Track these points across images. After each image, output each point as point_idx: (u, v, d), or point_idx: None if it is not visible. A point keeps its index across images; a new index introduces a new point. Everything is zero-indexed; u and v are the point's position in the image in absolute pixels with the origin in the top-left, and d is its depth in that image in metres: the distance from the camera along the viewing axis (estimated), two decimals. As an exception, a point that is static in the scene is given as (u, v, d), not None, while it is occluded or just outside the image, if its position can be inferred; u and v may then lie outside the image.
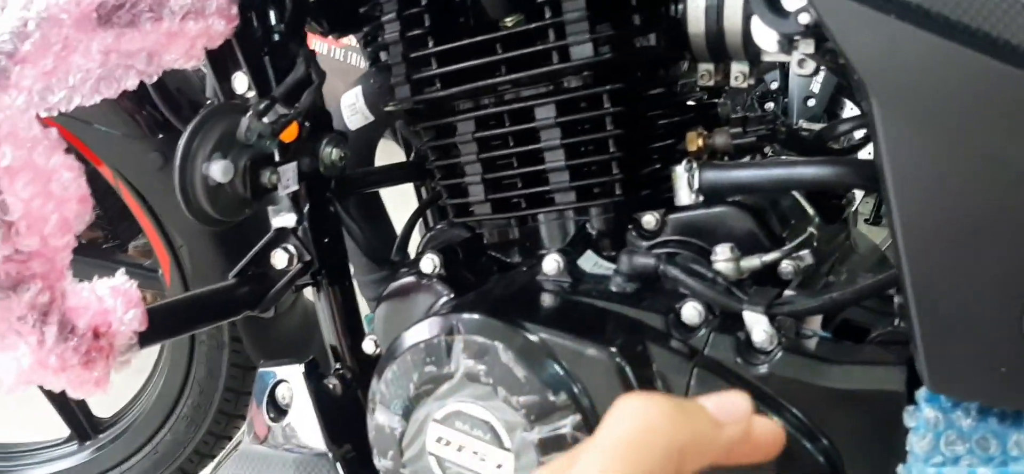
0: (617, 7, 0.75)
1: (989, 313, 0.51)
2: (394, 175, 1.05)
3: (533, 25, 0.75)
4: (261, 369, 0.92)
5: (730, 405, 0.36)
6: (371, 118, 1.25)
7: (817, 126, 0.98)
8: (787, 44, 0.68)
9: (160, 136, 1.19)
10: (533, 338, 0.67)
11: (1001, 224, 0.50)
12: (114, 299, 0.69)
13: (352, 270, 0.98)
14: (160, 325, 0.76)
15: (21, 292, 0.61)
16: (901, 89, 0.52)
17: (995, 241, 0.51)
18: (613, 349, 0.65)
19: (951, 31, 0.49)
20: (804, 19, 0.64)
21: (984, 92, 0.50)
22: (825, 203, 0.85)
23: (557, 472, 0.32)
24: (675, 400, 0.34)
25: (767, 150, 0.85)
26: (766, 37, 0.69)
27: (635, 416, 0.33)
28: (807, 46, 0.67)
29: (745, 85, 0.78)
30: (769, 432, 0.37)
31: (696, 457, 0.33)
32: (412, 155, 1.09)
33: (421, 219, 1.06)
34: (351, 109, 1.22)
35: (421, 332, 0.71)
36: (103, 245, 1.51)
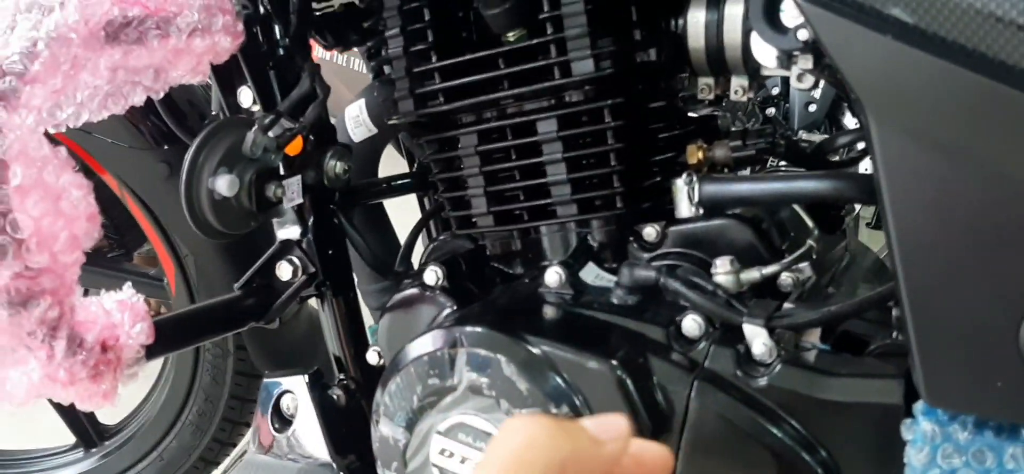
0: (618, 22, 0.76)
1: (985, 327, 0.52)
2: (398, 186, 1.06)
3: (535, 40, 0.76)
4: (266, 379, 0.93)
5: (609, 425, 0.39)
6: (375, 130, 1.25)
7: (817, 137, 0.98)
8: (786, 59, 0.68)
9: (166, 147, 1.20)
10: (535, 351, 0.68)
11: (996, 239, 0.51)
12: (121, 313, 0.70)
13: (356, 280, 0.98)
14: (167, 338, 0.77)
15: (31, 308, 0.62)
16: (897, 107, 0.53)
17: (990, 256, 0.52)
18: (614, 362, 0.66)
19: (946, 51, 0.50)
20: (803, 35, 0.65)
21: (978, 110, 0.50)
22: (824, 214, 0.85)
23: None
24: (557, 420, 0.37)
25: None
26: (765, 52, 0.70)
27: (518, 434, 0.36)
28: (806, 62, 0.67)
29: (745, 98, 0.78)
30: (656, 454, 0.41)
31: (577, 472, 0.36)
32: (415, 166, 1.10)
33: (424, 230, 1.07)
34: (355, 121, 1.23)
35: (424, 345, 0.72)
36: (109, 254, 1.52)
